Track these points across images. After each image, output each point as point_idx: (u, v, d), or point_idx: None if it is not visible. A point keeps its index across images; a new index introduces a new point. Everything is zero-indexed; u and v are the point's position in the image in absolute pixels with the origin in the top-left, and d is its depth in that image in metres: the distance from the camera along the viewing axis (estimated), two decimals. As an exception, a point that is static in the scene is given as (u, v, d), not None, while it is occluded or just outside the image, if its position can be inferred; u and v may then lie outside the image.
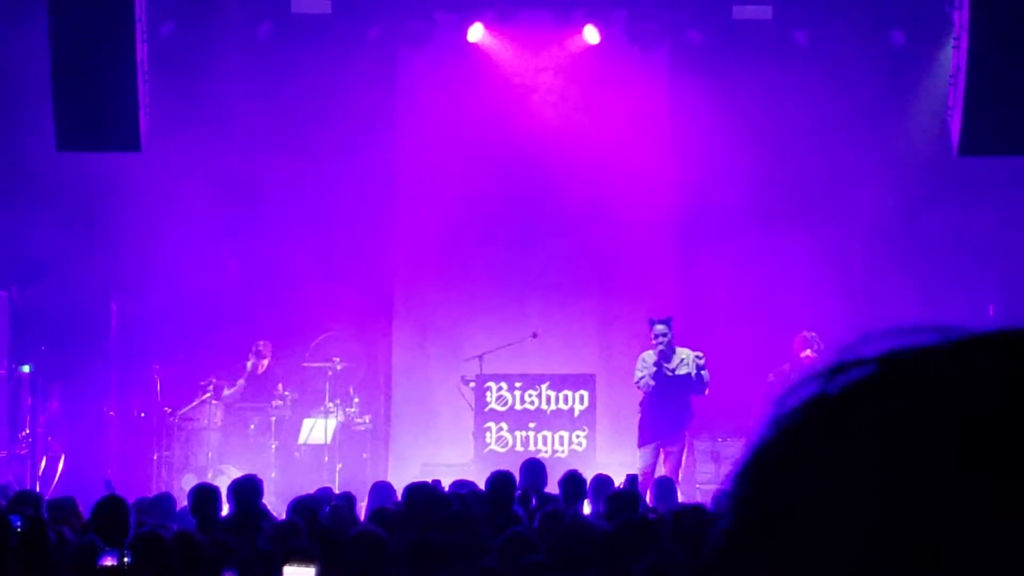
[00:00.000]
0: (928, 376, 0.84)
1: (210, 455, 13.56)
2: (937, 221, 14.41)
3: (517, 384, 13.64)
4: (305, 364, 13.99)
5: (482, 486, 8.73)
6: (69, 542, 6.68)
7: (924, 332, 0.86)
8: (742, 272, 14.54)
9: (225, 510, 8.43)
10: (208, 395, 13.72)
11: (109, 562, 5.98)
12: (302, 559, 5.43)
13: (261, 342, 14.04)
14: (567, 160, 14.74)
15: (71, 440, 13.89)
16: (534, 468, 9.59)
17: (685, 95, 14.69)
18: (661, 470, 12.14)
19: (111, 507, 7.12)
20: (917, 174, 14.42)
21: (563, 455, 13.32)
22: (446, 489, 9.14)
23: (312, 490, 9.94)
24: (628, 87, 14.81)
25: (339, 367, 13.85)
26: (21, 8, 12.58)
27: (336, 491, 10.24)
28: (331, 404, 13.76)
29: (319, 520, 7.54)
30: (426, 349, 14.79)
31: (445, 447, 14.15)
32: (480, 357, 13.69)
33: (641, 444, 12.51)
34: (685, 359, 12.51)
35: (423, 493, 7.80)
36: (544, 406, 13.61)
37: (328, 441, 13.65)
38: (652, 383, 12.43)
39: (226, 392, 13.89)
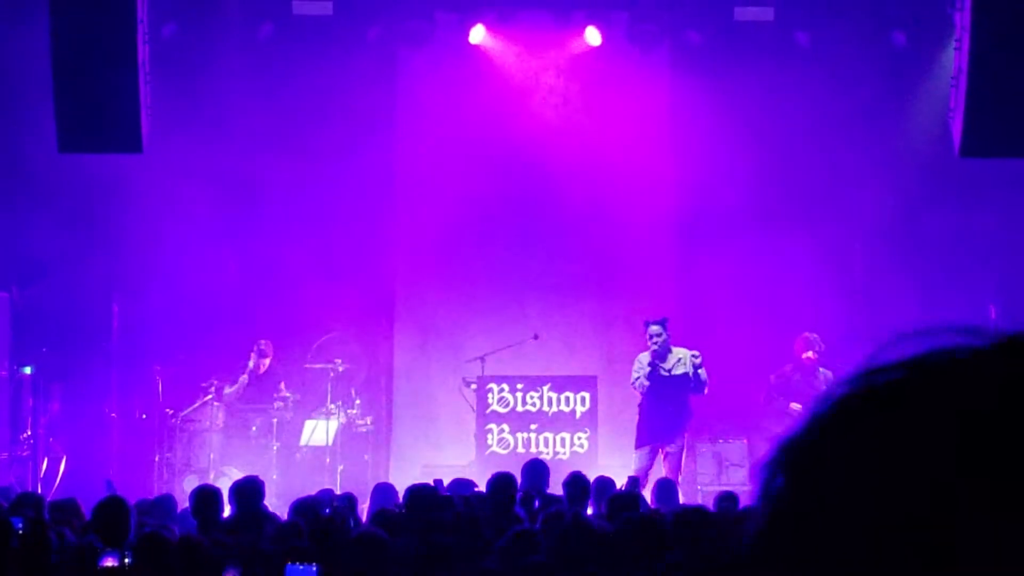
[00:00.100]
0: (938, 379, 0.85)
1: (212, 456, 13.56)
2: (937, 222, 14.41)
3: (519, 386, 13.63)
4: (307, 365, 14.00)
5: (483, 488, 8.73)
6: (70, 543, 6.68)
7: (959, 333, 0.86)
8: (743, 273, 14.54)
9: (227, 511, 8.43)
10: (210, 396, 13.72)
11: (110, 563, 5.98)
12: (303, 559, 5.43)
13: (263, 341, 14.03)
14: (568, 161, 14.74)
15: (72, 441, 13.89)
16: (536, 469, 9.59)
17: (686, 96, 14.69)
18: (661, 471, 12.13)
19: (111, 508, 7.12)
20: (918, 175, 14.43)
21: (565, 457, 13.31)
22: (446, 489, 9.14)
23: (314, 492, 9.94)
24: (629, 88, 14.82)
25: (340, 368, 13.85)
26: (22, 9, 12.58)
27: (337, 493, 10.24)
28: (332, 406, 13.76)
29: (320, 521, 7.54)
30: (427, 351, 14.79)
31: (446, 449, 14.15)
32: (481, 359, 13.69)
33: (638, 446, 12.51)
34: (682, 359, 12.52)
35: (424, 495, 7.79)
36: (546, 408, 13.61)
37: (329, 443, 13.65)
38: (647, 383, 12.45)
39: (227, 390, 13.88)
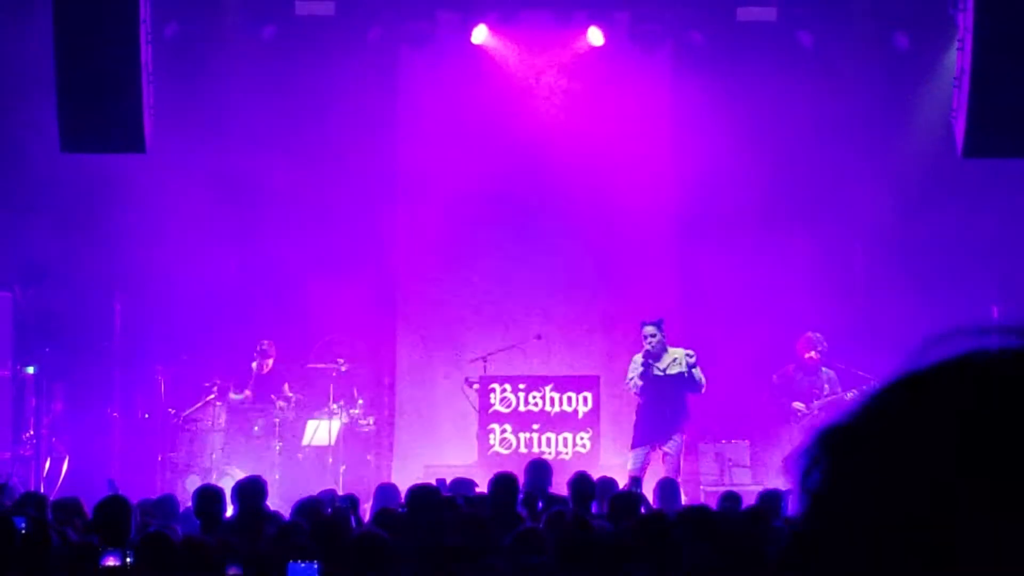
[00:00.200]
0: (955, 379, 0.86)
1: (214, 456, 13.57)
2: (939, 222, 14.40)
3: (521, 386, 13.63)
4: (309, 365, 14.00)
5: (484, 488, 8.73)
6: (72, 542, 6.69)
7: (995, 333, 0.88)
8: (745, 273, 14.54)
9: (229, 511, 8.43)
10: (212, 396, 13.73)
11: (111, 562, 5.98)
12: (305, 560, 5.43)
13: (265, 341, 14.04)
14: (570, 161, 14.74)
15: (75, 441, 13.90)
16: (540, 469, 9.59)
17: (688, 96, 14.69)
18: (659, 471, 12.12)
19: (112, 507, 7.12)
20: (919, 175, 14.43)
21: (567, 457, 13.31)
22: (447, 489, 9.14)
23: (316, 492, 9.94)
24: (631, 88, 14.82)
25: (343, 369, 13.86)
26: (25, 8, 12.59)
27: (340, 493, 10.24)
28: (335, 406, 13.76)
29: (322, 521, 7.54)
30: (430, 351, 14.79)
31: (449, 449, 14.15)
32: (484, 359, 13.70)
33: (633, 446, 12.52)
34: (677, 359, 12.52)
35: (426, 495, 7.80)
36: (548, 408, 13.60)
37: (332, 443, 13.66)
38: (640, 383, 12.47)
39: (233, 396, 13.91)
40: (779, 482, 11.61)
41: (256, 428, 13.88)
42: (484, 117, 14.75)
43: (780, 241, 14.46)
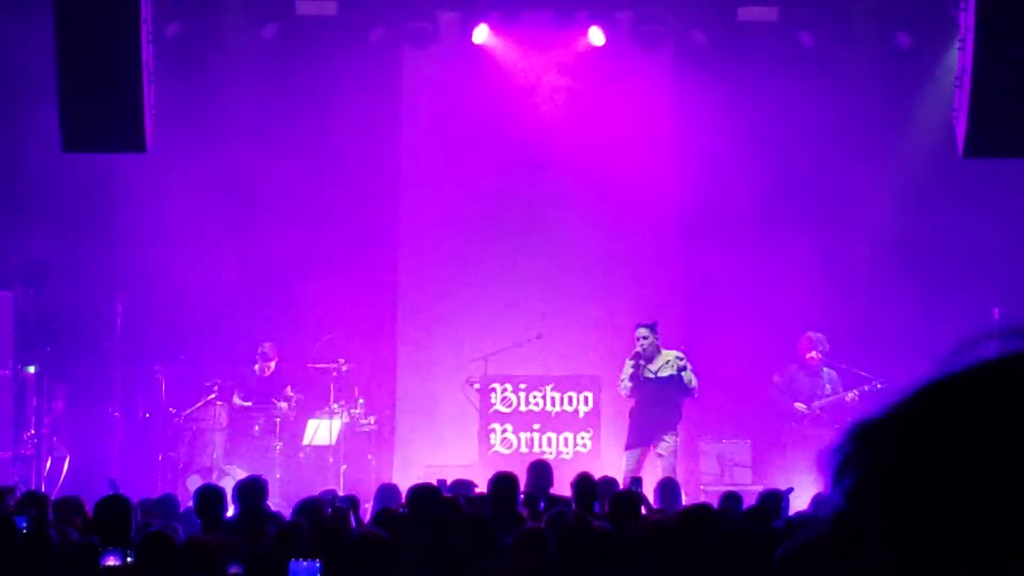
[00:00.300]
0: (990, 383, 0.87)
1: (215, 456, 13.58)
2: (941, 223, 14.40)
3: (522, 385, 13.64)
4: (309, 365, 14.00)
5: (484, 488, 8.72)
6: (73, 542, 6.69)
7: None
8: (746, 273, 14.54)
9: (230, 511, 8.43)
10: (213, 396, 13.74)
11: (112, 561, 5.98)
12: (300, 557, 5.43)
13: (266, 344, 14.05)
14: (571, 161, 14.74)
15: (76, 440, 13.90)
16: (541, 470, 9.59)
17: (690, 96, 14.69)
18: (655, 472, 12.10)
19: (113, 506, 7.12)
20: (920, 175, 14.42)
21: (568, 457, 13.32)
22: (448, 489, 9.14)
23: (317, 492, 9.94)
24: (632, 88, 14.81)
25: (344, 368, 13.86)
26: (26, 8, 12.59)
27: (340, 492, 10.24)
28: (335, 405, 13.76)
29: (323, 522, 7.54)
30: (431, 350, 14.79)
31: (450, 449, 14.15)
32: (485, 358, 13.70)
33: (626, 447, 12.53)
34: (670, 361, 12.51)
35: (427, 495, 7.79)
36: (549, 407, 13.61)
37: (333, 442, 13.66)
38: (630, 385, 12.48)
39: (236, 400, 13.94)
40: (780, 482, 11.62)
41: (256, 428, 13.89)
42: (485, 117, 14.75)
43: (781, 240, 14.45)
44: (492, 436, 13.54)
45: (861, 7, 14.33)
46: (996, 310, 13.89)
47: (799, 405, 14.00)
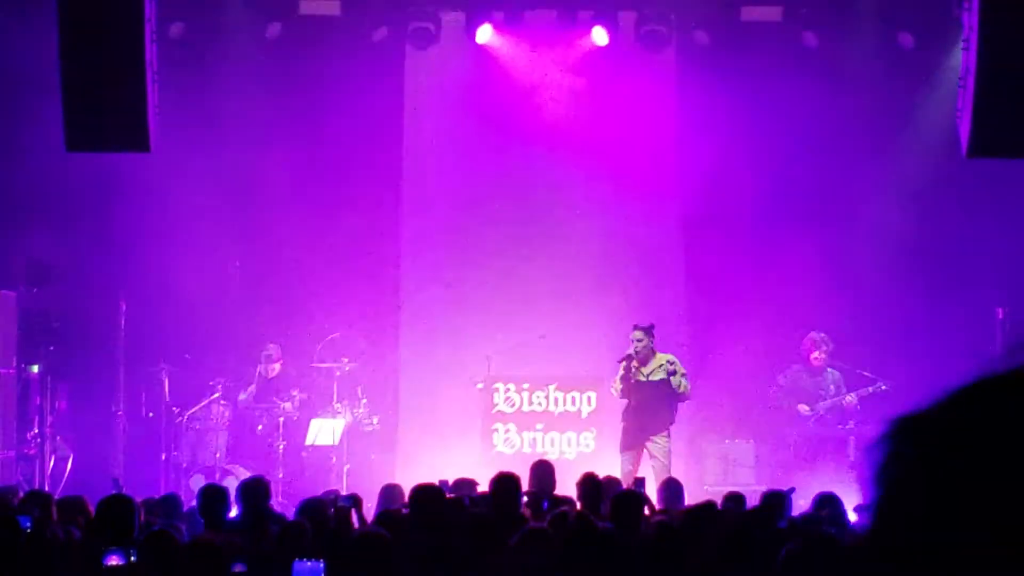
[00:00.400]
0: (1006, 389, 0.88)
1: (218, 455, 13.59)
2: (944, 223, 14.39)
3: (525, 385, 13.64)
4: (313, 365, 14.01)
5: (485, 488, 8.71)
6: (77, 541, 6.69)
7: None
8: (750, 273, 14.53)
9: (233, 511, 8.43)
10: (216, 395, 13.75)
11: (115, 561, 5.99)
12: (302, 557, 5.44)
13: (271, 345, 14.07)
14: (575, 161, 14.74)
15: (79, 440, 13.92)
16: (543, 470, 9.58)
17: (693, 96, 14.68)
18: (652, 474, 12.08)
19: (114, 505, 7.13)
20: (925, 176, 14.41)
21: (571, 457, 13.32)
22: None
23: (320, 491, 9.94)
24: (636, 88, 14.81)
25: (347, 368, 13.86)
26: (30, 8, 12.60)
27: (344, 492, 10.24)
28: (339, 405, 13.77)
29: (326, 521, 7.54)
30: (434, 350, 14.79)
31: (453, 449, 14.14)
32: (488, 358, 13.69)
33: (621, 450, 12.52)
34: (662, 365, 12.46)
35: (430, 495, 7.79)
36: (552, 407, 13.61)
37: (336, 442, 13.67)
38: (620, 387, 12.47)
39: (241, 397, 13.96)
40: (783, 482, 11.61)
41: (260, 428, 13.91)
42: (488, 117, 14.75)
43: (784, 240, 14.44)
44: (495, 436, 13.55)
45: (865, 7, 14.32)
46: (1000, 310, 13.88)
47: (803, 407, 13.99)
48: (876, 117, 14.55)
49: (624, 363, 12.41)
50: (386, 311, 14.95)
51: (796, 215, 14.61)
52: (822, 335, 13.99)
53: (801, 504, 9.23)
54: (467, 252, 14.86)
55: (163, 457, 13.72)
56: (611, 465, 12.40)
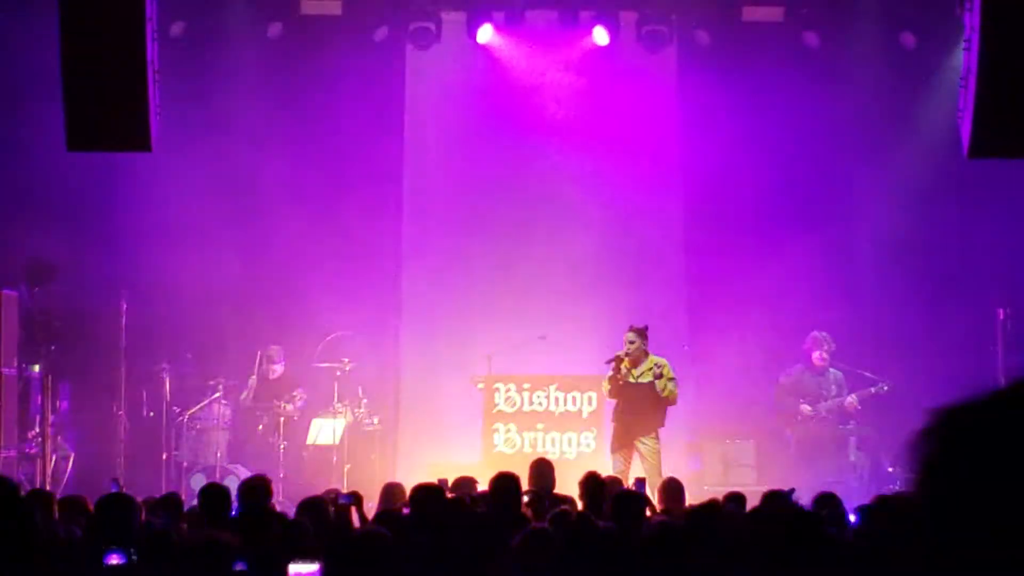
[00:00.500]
0: None
1: (219, 455, 13.60)
2: (945, 223, 14.40)
3: (525, 385, 13.64)
4: (314, 364, 14.01)
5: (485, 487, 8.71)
6: (77, 540, 6.70)
7: None
8: (751, 273, 14.53)
9: (234, 510, 8.43)
10: (217, 395, 13.76)
11: (115, 560, 5.99)
12: (309, 558, 5.44)
13: (273, 347, 14.08)
14: (575, 161, 14.75)
15: (80, 440, 13.92)
16: (543, 469, 9.59)
17: (694, 96, 14.69)
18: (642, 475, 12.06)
19: (113, 504, 7.13)
20: (926, 176, 14.41)
21: (571, 457, 13.32)
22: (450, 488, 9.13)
23: (320, 491, 9.94)
24: (637, 88, 14.82)
25: (347, 368, 13.87)
26: (31, 7, 12.61)
27: (344, 492, 10.23)
28: (339, 405, 13.78)
29: (326, 520, 7.54)
30: (434, 350, 14.79)
31: (453, 448, 14.14)
32: (488, 358, 13.70)
33: (611, 450, 12.51)
34: (651, 367, 12.42)
35: (429, 495, 7.79)
36: (552, 407, 13.61)
37: (336, 442, 13.68)
38: (608, 386, 12.46)
39: (242, 396, 13.97)
40: (784, 483, 11.60)
41: (260, 427, 13.92)
42: (489, 116, 14.76)
43: (786, 240, 14.45)
44: (496, 436, 13.55)
45: (866, 7, 14.32)
46: (1001, 311, 13.88)
47: (805, 408, 13.99)
48: (877, 117, 14.55)
49: (614, 363, 12.39)
50: (387, 311, 14.95)
51: (797, 215, 14.61)
52: (824, 335, 13.99)
53: (802, 504, 9.22)
54: (468, 252, 14.86)
55: (164, 457, 13.72)
56: (611, 465, 12.40)
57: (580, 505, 8.78)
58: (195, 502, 8.53)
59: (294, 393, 13.97)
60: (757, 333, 14.27)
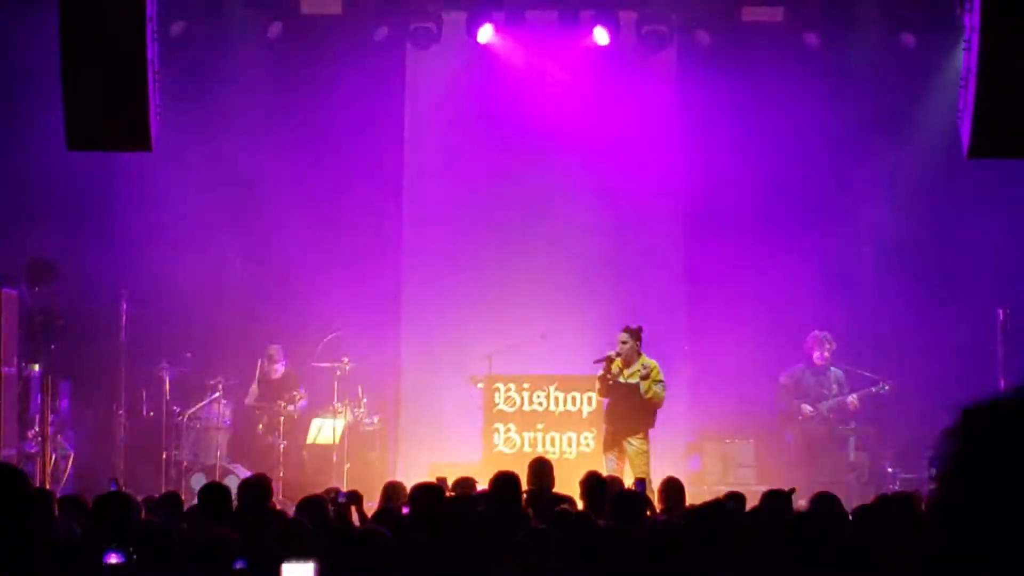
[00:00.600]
0: None
1: (219, 455, 13.60)
2: (945, 223, 14.39)
3: (525, 385, 13.64)
4: (313, 364, 14.02)
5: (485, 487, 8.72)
6: (77, 539, 6.70)
7: None
8: (751, 273, 14.54)
9: (234, 510, 8.42)
10: (217, 394, 13.76)
11: (114, 559, 5.99)
12: (308, 557, 5.44)
13: (273, 346, 14.08)
14: (576, 161, 14.75)
15: (80, 439, 13.92)
16: (542, 468, 9.59)
17: (694, 96, 14.69)
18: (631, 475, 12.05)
19: (112, 504, 7.13)
20: (926, 176, 14.41)
21: (571, 456, 13.33)
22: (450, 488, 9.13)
23: (320, 490, 9.94)
24: (637, 88, 14.82)
25: (347, 367, 13.87)
26: (31, 7, 12.61)
27: (344, 491, 10.23)
28: (339, 404, 13.78)
29: (325, 519, 7.54)
30: (434, 349, 14.80)
31: (453, 448, 14.15)
32: (488, 358, 13.70)
33: (603, 449, 12.51)
34: (638, 369, 12.41)
35: (429, 494, 7.79)
36: (552, 407, 13.61)
37: (336, 441, 13.68)
38: (598, 385, 12.47)
39: (248, 402, 13.98)
40: (784, 482, 11.60)
41: (260, 427, 13.92)
42: (490, 116, 14.77)
43: (786, 241, 14.46)
44: (496, 435, 13.55)
45: (866, 8, 14.32)
46: (1001, 311, 13.88)
47: (806, 407, 13.99)
48: (877, 117, 14.55)
49: (604, 363, 12.39)
50: (386, 310, 14.96)
51: (797, 215, 14.61)
52: (825, 334, 13.99)
53: (801, 504, 9.23)
54: (468, 251, 14.87)
55: (164, 456, 13.72)
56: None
57: (581, 505, 8.78)
58: (195, 502, 8.53)
59: (295, 393, 13.98)
60: (757, 333, 14.28)
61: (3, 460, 11.85)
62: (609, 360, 12.34)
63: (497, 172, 14.77)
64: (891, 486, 12.95)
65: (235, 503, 8.06)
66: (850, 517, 8.06)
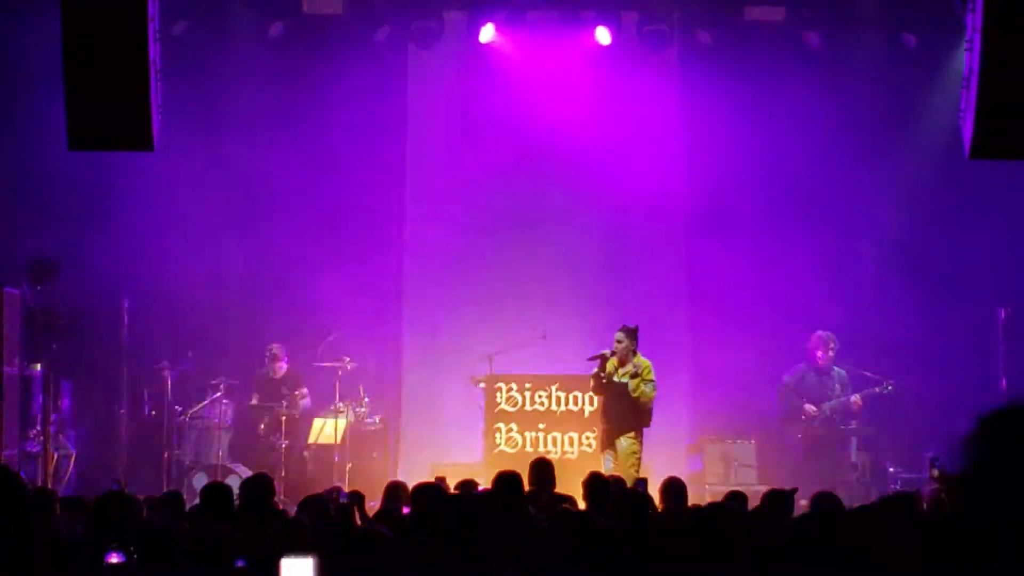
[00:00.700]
0: None
1: (220, 454, 13.61)
2: (947, 223, 14.39)
3: (527, 385, 13.65)
4: (315, 364, 14.02)
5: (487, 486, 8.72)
6: (78, 539, 6.71)
7: None
8: (752, 273, 14.54)
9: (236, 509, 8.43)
10: (219, 394, 13.77)
11: (115, 559, 6.00)
12: (301, 551, 5.45)
13: (274, 345, 14.08)
14: (577, 160, 14.75)
15: (82, 438, 13.93)
16: (542, 468, 9.59)
17: (696, 96, 14.69)
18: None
19: (112, 503, 7.13)
20: (927, 177, 14.41)
21: (573, 456, 13.33)
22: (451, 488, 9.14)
23: (322, 490, 9.94)
24: (639, 88, 14.82)
25: (349, 367, 13.88)
26: (33, 7, 12.62)
27: (346, 491, 10.24)
28: (341, 404, 13.79)
29: (327, 519, 7.55)
30: (436, 349, 14.81)
31: (455, 447, 14.16)
32: (490, 357, 13.71)
33: (600, 448, 12.51)
34: (629, 369, 12.39)
35: (430, 494, 7.80)
36: (554, 407, 13.62)
37: (338, 441, 13.69)
38: (592, 383, 12.46)
39: (252, 403, 13.99)
40: (785, 482, 11.61)
41: (262, 426, 13.92)
42: (491, 116, 14.77)
43: (787, 240, 14.45)
44: (497, 435, 13.56)
45: (868, 8, 14.32)
46: (1002, 311, 13.88)
47: (809, 407, 13.98)
48: (879, 118, 14.55)
49: (599, 361, 12.38)
50: (388, 310, 14.96)
51: (798, 214, 14.61)
52: (828, 334, 13.99)
53: (801, 504, 9.24)
54: (469, 251, 14.87)
55: (165, 455, 13.73)
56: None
57: (583, 505, 8.78)
58: (196, 501, 8.53)
59: (297, 393, 13.99)
60: (757, 333, 14.28)
61: (4, 460, 11.87)
62: (603, 358, 12.34)
63: (498, 172, 14.77)
64: (892, 486, 12.95)
65: (237, 503, 8.07)
66: (850, 517, 8.07)
